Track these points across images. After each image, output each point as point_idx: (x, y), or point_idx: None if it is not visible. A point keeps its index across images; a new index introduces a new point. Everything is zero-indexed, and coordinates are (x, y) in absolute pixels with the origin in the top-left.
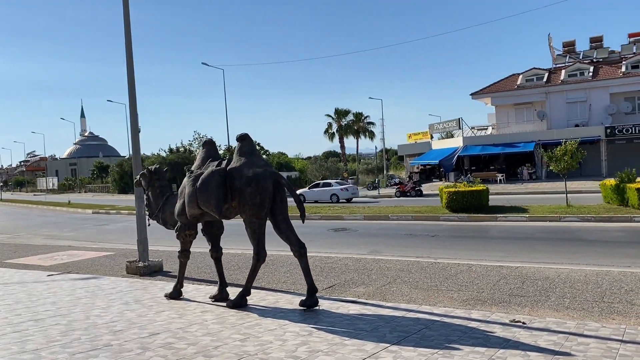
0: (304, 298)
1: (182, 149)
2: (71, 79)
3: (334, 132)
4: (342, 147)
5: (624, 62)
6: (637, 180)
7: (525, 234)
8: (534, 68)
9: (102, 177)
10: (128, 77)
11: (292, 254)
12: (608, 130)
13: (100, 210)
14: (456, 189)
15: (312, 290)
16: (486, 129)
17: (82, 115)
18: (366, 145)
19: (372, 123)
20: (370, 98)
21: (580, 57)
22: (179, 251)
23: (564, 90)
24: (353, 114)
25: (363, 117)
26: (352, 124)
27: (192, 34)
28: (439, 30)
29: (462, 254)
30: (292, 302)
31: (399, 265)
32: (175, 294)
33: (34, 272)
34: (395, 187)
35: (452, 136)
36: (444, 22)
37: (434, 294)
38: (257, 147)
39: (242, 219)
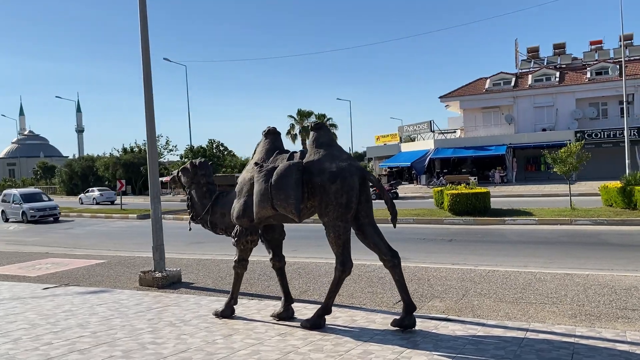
0: (397, 317)
1: (136, 149)
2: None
3: (296, 134)
4: (305, 149)
5: (588, 69)
6: None
7: (546, 238)
8: (502, 72)
9: (47, 178)
10: (144, 76)
11: (324, 261)
12: (578, 135)
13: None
14: (459, 192)
15: (410, 308)
16: (454, 132)
17: (21, 113)
18: None
19: (335, 125)
20: (338, 99)
21: (545, 63)
22: (235, 261)
23: (532, 95)
24: (316, 115)
25: (326, 119)
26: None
27: (154, 30)
28: (406, 34)
29: (499, 260)
30: (373, 319)
31: (453, 274)
32: (228, 312)
33: (24, 285)
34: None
35: (413, 140)
36: (411, 25)
37: (530, 308)
38: (222, 148)
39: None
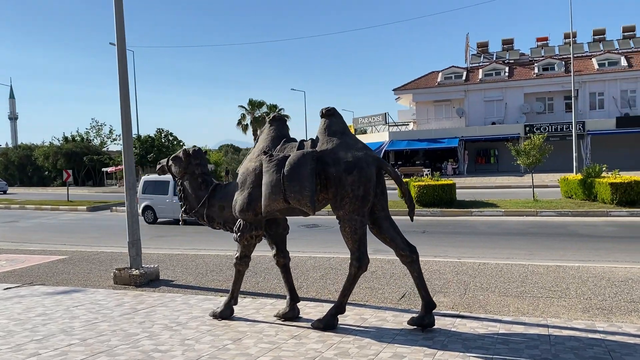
0: (415, 315)
1: (78, 138)
2: None
3: (247, 124)
4: (256, 139)
5: (535, 65)
6: (602, 175)
7: (517, 230)
8: (453, 66)
9: None
10: (119, 62)
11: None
12: (527, 128)
13: None
14: (425, 183)
15: (430, 306)
16: (408, 124)
17: None
18: None
19: (287, 116)
20: (292, 89)
21: (494, 58)
22: (236, 257)
23: (482, 89)
24: (267, 105)
25: (277, 109)
26: (266, 116)
27: (100, 14)
28: (360, 25)
29: (479, 252)
30: (383, 318)
31: (445, 268)
32: (228, 313)
33: None
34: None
35: (364, 132)
36: (363, 18)
37: (538, 303)
38: (171, 138)
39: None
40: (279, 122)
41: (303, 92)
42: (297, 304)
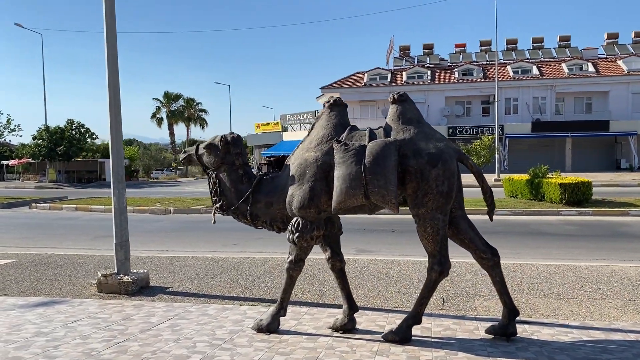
0: (495, 324)
1: None
2: None
3: (162, 117)
4: (172, 134)
5: (455, 70)
6: (548, 175)
7: (485, 228)
8: (378, 68)
9: None
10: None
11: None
12: (450, 130)
13: None
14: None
15: (514, 313)
16: None
17: None
18: (198, 135)
19: (205, 110)
20: (216, 83)
21: (416, 62)
22: (290, 261)
23: (406, 91)
24: (184, 99)
25: (195, 104)
26: (183, 110)
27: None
28: (280, 22)
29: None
30: (446, 326)
31: (460, 269)
32: (276, 325)
33: None
34: None
35: (285, 129)
36: (289, 15)
37: (589, 305)
38: (83, 130)
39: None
40: (340, 108)
41: (228, 85)
42: (355, 313)
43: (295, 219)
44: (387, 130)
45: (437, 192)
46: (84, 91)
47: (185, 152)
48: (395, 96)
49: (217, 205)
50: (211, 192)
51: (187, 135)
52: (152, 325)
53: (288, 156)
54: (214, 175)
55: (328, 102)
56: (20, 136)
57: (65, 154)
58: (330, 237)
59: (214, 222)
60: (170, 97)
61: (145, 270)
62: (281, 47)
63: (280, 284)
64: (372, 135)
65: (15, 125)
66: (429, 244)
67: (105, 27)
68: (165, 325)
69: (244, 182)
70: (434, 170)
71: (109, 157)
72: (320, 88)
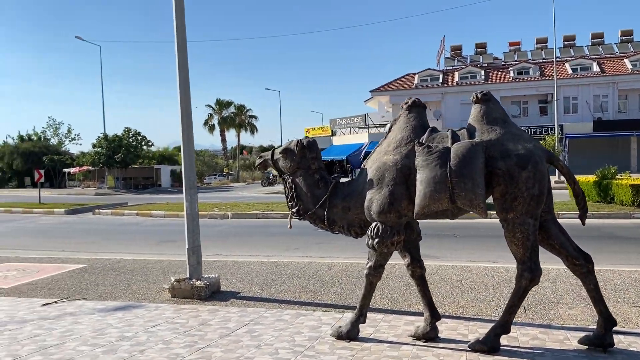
0: (589, 334)
1: (34, 137)
2: None
3: (214, 124)
4: (223, 140)
5: (510, 68)
6: (617, 177)
7: None
8: (429, 69)
9: None
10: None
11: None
12: None
13: None
14: None
15: (611, 322)
16: (385, 125)
17: None
18: (248, 140)
19: (255, 117)
20: (267, 89)
21: (468, 62)
22: (370, 267)
23: (459, 92)
24: (235, 105)
25: (245, 110)
26: (234, 117)
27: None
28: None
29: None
30: (535, 336)
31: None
32: (355, 333)
33: (7, 301)
34: None
35: (334, 134)
36: (337, 18)
37: None
38: (139, 137)
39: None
40: (419, 109)
41: (278, 91)
42: (437, 321)
43: (374, 224)
44: (471, 130)
45: (527, 195)
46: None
47: (261, 157)
48: (479, 95)
49: (294, 210)
50: (287, 197)
51: (238, 141)
52: (230, 330)
53: (334, 160)
54: (289, 180)
55: (406, 103)
56: (80, 144)
57: (122, 161)
58: (410, 243)
59: (290, 227)
60: (221, 104)
61: (216, 275)
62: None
63: (349, 290)
64: (455, 137)
65: (75, 135)
66: (518, 249)
67: (176, 42)
68: (242, 330)
69: (320, 186)
70: (523, 172)
71: (164, 164)
72: (370, 91)
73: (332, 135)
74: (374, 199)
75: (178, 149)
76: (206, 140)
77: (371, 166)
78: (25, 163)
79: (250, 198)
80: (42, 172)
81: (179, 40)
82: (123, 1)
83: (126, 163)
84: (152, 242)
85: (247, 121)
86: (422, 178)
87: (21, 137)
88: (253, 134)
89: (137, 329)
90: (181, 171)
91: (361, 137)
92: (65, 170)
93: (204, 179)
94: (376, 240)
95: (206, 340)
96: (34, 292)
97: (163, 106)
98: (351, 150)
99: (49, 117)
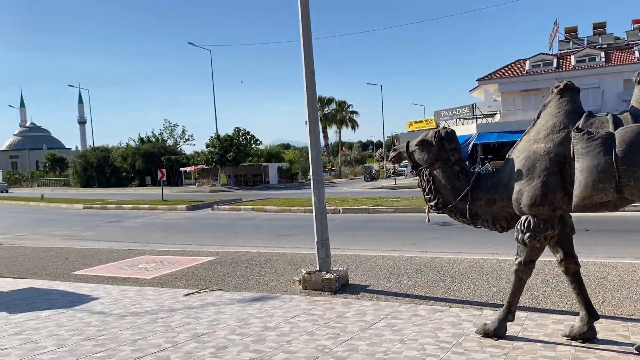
0: None
1: (153, 139)
2: (7, 66)
3: None
4: (325, 137)
5: (635, 48)
6: None
7: None
8: (541, 53)
9: (56, 170)
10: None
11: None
12: None
13: (94, 205)
14: None
15: None
16: (493, 115)
17: (22, 105)
18: (349, 136)
19: (356, 112)
20: (368, 84)
21: (585, 43)
22: (519, 262)
23: (576, 77)
24: (336, 102)
25: (346, 106)
26: (335, 113)
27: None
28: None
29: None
30: None
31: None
32: (503, 331)
33: (151, 290)
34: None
35: (438, 126)
36: (439, 6)
37: None
38: (249, 137)
39: None
40: (572, 92)
41: (380, 85)
42: (595, 321)
43: (525, 217)
44: (635, 114)
45: None
46: (246, 101)
47: (394, 149)
48: None
49: (432, 203)
50: (424, 190)
51: (339, 137)
52: (367, 323)
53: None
54: (427, 173)
55: (557, 87)
56: (193, 145)
57: (234, 160)
58: (563, 237)
59: (429, 220)
60: (322, 101)
61: (344, 268)
62: (430, 42)
63: (482, 286)
64: (617, 122)
65: (188, 136)
66: None
67: (303, 46)
68: (381, 324)
69: (461, 178)
70: None
71: (271, 162)
72: (477, 80)
73: (436, 127)
74: (523, 191)
75: (283, 146)
76: (304, 137)
77: (518, 156)
78: (145, 163)
79: (355, 193)
80: (164, 171)
81: (305, 41)
82: (230, 5)
83: (237, 161)
84: (271, 236)
85: (347, 117)
86: (582, 167)
87: (141, 139)
88: (354, 129)
89: (277, 319)
90: (287, 168)
91: (468, 129)
92: (182, 169)
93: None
94: (527, 234)
95: (347, 332)
96: (174, 283)
97: (261, 105)
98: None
99: (165, 120)
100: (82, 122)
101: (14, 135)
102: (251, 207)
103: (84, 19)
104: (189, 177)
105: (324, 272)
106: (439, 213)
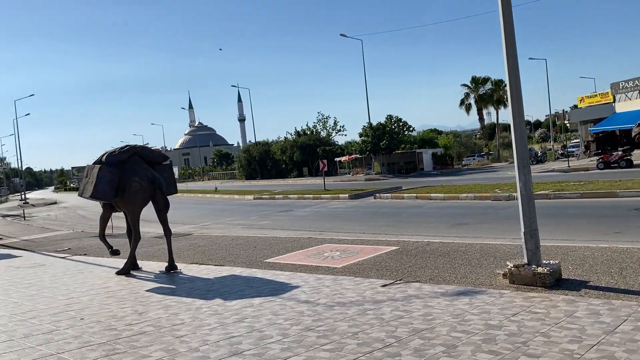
0: None
1: (308, 132)
2: (175, 73)
3: (470, 103)
4: (481, 119)
5: None
6: None
7: None
8: None
9: (223, 164)
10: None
11: None
12: None
13: (264, 196)
14: None
15: None
16: None
17: (190, 107)
18: (506, 117)
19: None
20: (530, 59)
21: None
22: None
23: None
24: (492, 81)
25: (503, 85)
26: (491, 93)
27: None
28: None
29: None
30: None
31: None
32: None
33: (345, 280)
34: (598, 157)
35: (615, 100)
36: None
37: None
38: (401, 124)
39: None
40: None
41: (544, 59)
42: None
43: None
44: None
45: None
46: (396, 87)
47: (639, 124)
48: None
49: None
50: None
51: (497, 118)
52: (610, 326)
53: (616, 130)
54: None
55: None
56: (345, 135)
57: (387, 148)
58: None
59: None
60: (477, 82)
61: (557, 262)
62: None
63: None
64: None
65: (340, 126)
66: None
67: (504, 34)
68: (627, 327)
69: None
70: None
71: (424, 148)
72: None
73: (613, 102)
74: None
75: (434, 131)
76: (456, 120)
77: None
78: (302, 155)
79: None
80: (325, 162)
81: (508, 38)
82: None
83: (390, 149)
84: (444, 225)
85: (505, 97)
86: None
87: (297, 133)
88: None
89: (497, 317)
90: (441, 154)
91: None
92: (336, 159)
93: (462, 160)
94: None
95: (590, 336)
96: (366, 273)
97: (401, 91)
98: None
99: (318, 112)
100: (241, 119)
101: (185, 134)
102: (415, 195)
103: (236, 23)
104: (343, 166)
105: (534, 266)
106: None
